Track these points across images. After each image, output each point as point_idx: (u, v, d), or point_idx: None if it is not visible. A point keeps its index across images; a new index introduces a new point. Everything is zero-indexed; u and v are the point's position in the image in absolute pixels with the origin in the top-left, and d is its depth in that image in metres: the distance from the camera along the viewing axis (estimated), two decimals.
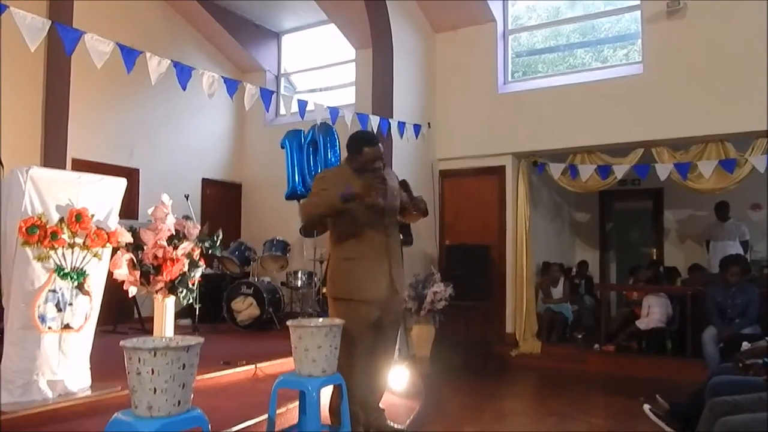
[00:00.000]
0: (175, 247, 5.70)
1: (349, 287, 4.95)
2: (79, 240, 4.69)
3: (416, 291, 8.83)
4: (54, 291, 4.60)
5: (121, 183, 5.14)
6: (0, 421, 4.11)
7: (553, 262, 11.17)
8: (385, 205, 5.03)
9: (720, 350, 7.64)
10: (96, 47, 5.91)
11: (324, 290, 5.28)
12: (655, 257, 12.47)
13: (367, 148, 5.09)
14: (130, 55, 6.14)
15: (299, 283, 9.90)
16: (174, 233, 5.77)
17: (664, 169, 9.33)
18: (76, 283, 4.73)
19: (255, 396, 5.49)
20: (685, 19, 9.04)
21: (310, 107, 8.20)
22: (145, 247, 5.59)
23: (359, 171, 5.06)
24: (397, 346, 5.59)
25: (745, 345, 5.74)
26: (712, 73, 8.80)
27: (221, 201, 12.40)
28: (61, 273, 4.61)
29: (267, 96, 7.63)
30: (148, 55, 6.31)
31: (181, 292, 5.85)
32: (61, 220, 4.57)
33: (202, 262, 6.06)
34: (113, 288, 5.44)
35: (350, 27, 10.71)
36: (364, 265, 4.96)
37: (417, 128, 9.64)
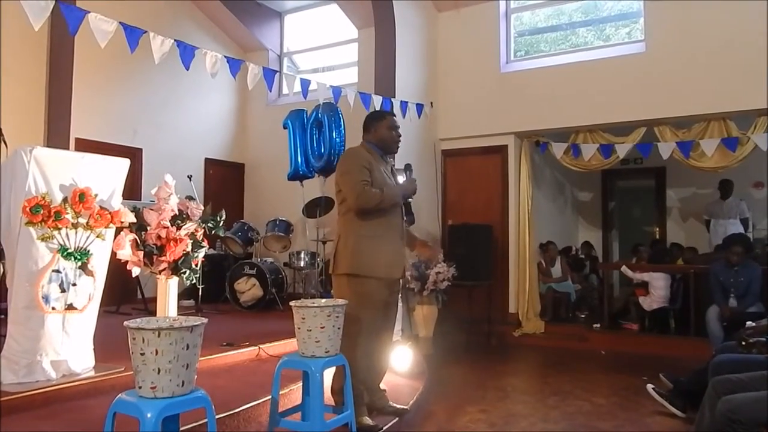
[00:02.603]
0: (179, 228, 5.70)
1: (371, 264, 4.97)
2: (82, 220, 4.69)
3: (419, 271, 8.84)
4: (58, 271, 4.60)
5: (124, 163, 5.13)
6: (0, 402, 4.12)
7: (548, 241, 11.16)
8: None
9: (724, 328, 7.67)
10: (99, 27, 5.89)
11: (331, 269, 5.19)
12: (657, 236, 12.49)
13: (390, 116, 5.40)
14: (133, 35, 6.12)
15: (302, 263, 9.91)
16: (177, 213, 5.77)
17: (666, 148, 9.33)
18: (79, 264, 4.73)
19: (258, 377, 5.50)
20: None
21: (312, 87, 8.18)
22: (148, 228, 5.59)
23: (379, 146, 5.25)
24: (397, 326, 5.63)
25: (749, 325, 5.75)
26: (714, 51, 8.77)
27: (224, 181, 12.39)
28: (65, 253, 4.61)
29: (270, 75, 7.61)
30: (151, 34, 6.30)
31: (184, 272, 5.85)
32: (65, 199, 4.56)
33: (205, 243, 6.06)
34: (116, 268, 5.45)
35: (352, 6, 10.68)
36: (388, 244, 5.05)
37: (419, 108, 9.62)
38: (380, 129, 5.23)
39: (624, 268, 9.82)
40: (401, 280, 5.41)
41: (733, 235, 8.69)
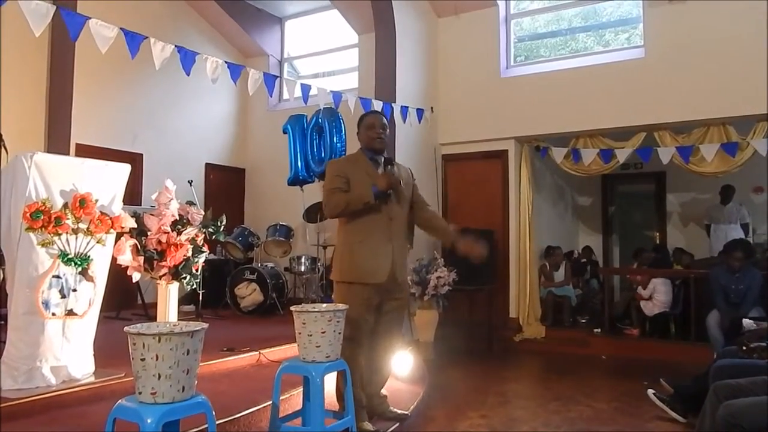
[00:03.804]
0: (179, 233, 5.70)
1: (350, 270, 5.01)
2: (83, 225, 4.69)
3: (420, 276, 8.82)
4: (58, 277, 4.60)
5: (124, 168, 5.13)
6: (0, 408, 4.11)
7: (555, 245, 11.16)
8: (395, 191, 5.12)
9: (725, 333, 7.66)
10: (100, 32, 5.92)
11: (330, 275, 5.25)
12: (657, 240, 12.50)
13: (368, 116, 5.34)
14: (134, 41, 6.15)
15: (302, 268, 9.90)
16: (178, 218, 5.77)
17: (666, 153, 9.33)
18: (79, 269, 4.73)
19: (259, 382, 5.49)
20: (686, 2, 9.02)
21: (313, 92, 8.19)
22: (148, 233, 5.58)
23: (369, 151, 5.20)
24: (401, 333, 5.62)
25: (748, 322, 5.75)
26: (714, 56, 8.79)
27: (224, 186, 12.40)
28: (65, 258, 4.61)
29: (270, 81, 7.63)
30: (152, 40, 6.32)
31: (185, 277, 5.84)
32: (65, 205, 4.56)
33: (205, 248, 6.05)
34: (116, 274, 5.44)
35: (353, 12, 10.70)
36: (367, 249, 5.00)
37: (420, 112, 9.64)
38: (360, 132, 5.27)
39: (639, 289, 9.75)
40: (403, 286, 5.36)
41: (734, 241, 8.67)
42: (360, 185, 4.98)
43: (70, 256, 4.64)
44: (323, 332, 4.29)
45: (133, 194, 9.65)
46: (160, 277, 5.73)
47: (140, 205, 9.12)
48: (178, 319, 5.87)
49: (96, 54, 6.03)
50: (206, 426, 3.31)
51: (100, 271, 4.94)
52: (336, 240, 5.25)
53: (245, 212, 12.83)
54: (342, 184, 4.97)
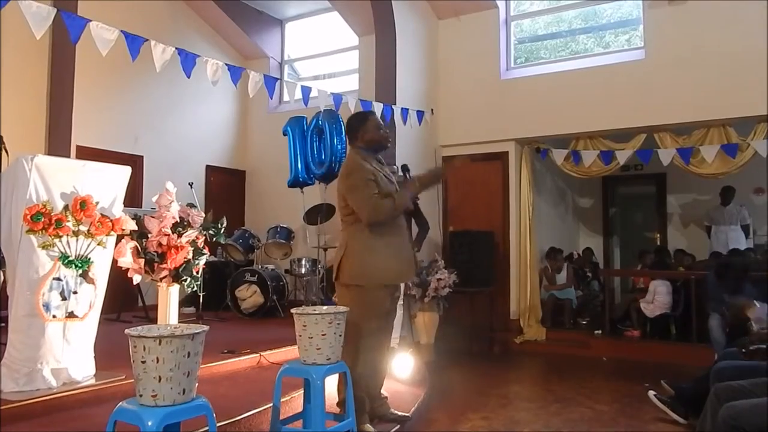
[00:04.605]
0: (180, 235, 5.70)
1: (381, 273, 4.93)
2: (83, 228, 4.69)
3: (420, 278, 8.82)
4: (58, 279, 4.60)
5: (125, 170, 5.13)
6: (0, 411, 4.11)
7: (557, 248, 11.15)
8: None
9: (726, 335, 7.65)
10: (101, 35, 5.93)
11: (334, 277, 5.12)
12: (658, 242, 12.49)
13: (371, 116, 5.33)
14: (134, 43, 6.15)
15: (303, 270, 9.89)
16: (178, 221, 5.77)
17: (666, 154, 9.33)
18: (80, 271, 4.73)
19: (259, 384, 5.49)
20: (686, 4, 9.02)
21: (313, 94, 8.20)
22: (149, 235, 5.59)
23: (371, 151, 5.14)
24: (398, 333, 5.63)
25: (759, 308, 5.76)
26: (714, 57, 8.78)
27: (225, 188, 12.39)
28: (66, 261, 4.61)
29: (270, 83, 7.63)
30: (152, 42, 6.32)
31: (185, 279, 5.84)
32: (66, 207, 4.57)
33: (206, 250, 6.05)
34: (117, 276, 5.45)
35: (353, 14, 10.69)
36: (398, 249, 5.02)
37: (420, 114, 9.64)
38: (368, 131, 5.11)
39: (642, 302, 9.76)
40: (402, 286, 5.38)
41: (729, 264, 8.50)
42: (384, 188, 4.93)
43: (70, 259, 4.64)
44: (324, 334, 4.28)
45: (133, 196, 9.65)
46: (161, 280, 5.73)
47: (141, 208, 9.12)
48: (179, 322, 5.87)
49: (96, 56, 6.04)
50: (207, 428, 3.31)
51: (101, 273, 4.94)
52: (351, 241, 4.99)
53: (246, 214, 12.82)
54: (376, 189, 4.86)
